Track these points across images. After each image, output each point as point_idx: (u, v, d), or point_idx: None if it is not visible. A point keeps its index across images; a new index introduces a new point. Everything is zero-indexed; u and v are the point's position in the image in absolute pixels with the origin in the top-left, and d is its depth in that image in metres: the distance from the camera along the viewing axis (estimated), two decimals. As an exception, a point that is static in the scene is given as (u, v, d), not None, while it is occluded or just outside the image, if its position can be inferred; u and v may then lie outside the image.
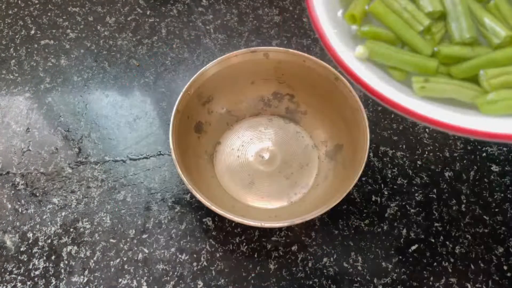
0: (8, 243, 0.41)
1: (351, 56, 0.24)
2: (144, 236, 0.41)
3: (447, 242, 0.41)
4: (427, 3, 0.25)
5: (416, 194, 0.43)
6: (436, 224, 0.42)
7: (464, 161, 0.45)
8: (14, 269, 0.40)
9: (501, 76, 0.23)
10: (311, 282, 0.39)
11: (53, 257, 0.40)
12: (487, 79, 0.23)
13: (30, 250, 0.41)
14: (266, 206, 0.42)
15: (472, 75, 0.24)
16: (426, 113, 0.22)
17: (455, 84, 0.24)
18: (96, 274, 0.40)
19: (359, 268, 0.40)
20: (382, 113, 0.47)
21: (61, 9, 0.55)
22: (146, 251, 0.41)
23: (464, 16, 0.24)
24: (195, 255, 0.40)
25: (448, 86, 0.23)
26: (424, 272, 0.40)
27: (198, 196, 0.35)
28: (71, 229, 0.42)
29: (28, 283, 0.39)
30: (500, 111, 0.22)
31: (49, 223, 0.42)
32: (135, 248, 0.41)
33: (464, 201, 0.43)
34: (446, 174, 0.44)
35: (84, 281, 0.39)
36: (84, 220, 0.42)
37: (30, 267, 0.40)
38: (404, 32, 0.25)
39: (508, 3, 0.24)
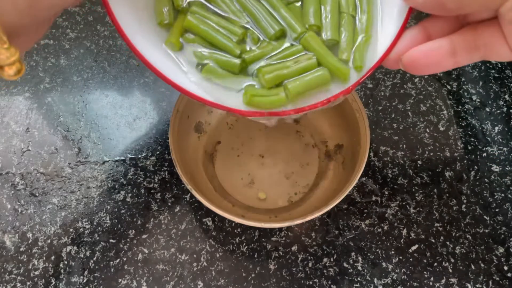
0: (8, 243, 0.41)
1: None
2: (144, 236, 0.41)
3: (448, 242, 0.41)
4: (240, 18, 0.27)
5: (417, 194, 0.43)
6: (436, 224, 0.42)
7: (465, 161, 0.45)
8: (13, 269, 0.40)
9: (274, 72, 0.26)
10: (311, 283, 0.39)
11: (52, 257, 0.40)
12: (263, 75, 0.26)
13: (29, 250, 0.41)
14: (266, 206, 0.42)
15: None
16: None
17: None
18: (95, 274, 0.40)
19: (359, 268, 0.40)
20: (382, 113, 0.47)
21: (61, 9, 0.55)
22: (146, 251, 0.41)
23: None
24: (195, 255, 0.40)
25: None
26: (425, 272, 0.40)
27: (198, 196, 0.35)
28: (71, 229, 0.42)
29: (28, 283, 0.39)
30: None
31: (48, 223, 0.42)
32: (135, 248, 0.41)
33: (465, 201, 0.43)
34: (447, 174, 0.44)
35: (84, 281, 0.39)
36: (84, 220, 0.42)
37: (30, 267, 0.40)
38: (217, 41, 0.27)
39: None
